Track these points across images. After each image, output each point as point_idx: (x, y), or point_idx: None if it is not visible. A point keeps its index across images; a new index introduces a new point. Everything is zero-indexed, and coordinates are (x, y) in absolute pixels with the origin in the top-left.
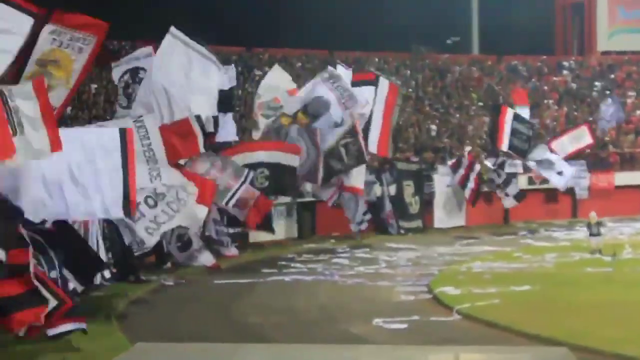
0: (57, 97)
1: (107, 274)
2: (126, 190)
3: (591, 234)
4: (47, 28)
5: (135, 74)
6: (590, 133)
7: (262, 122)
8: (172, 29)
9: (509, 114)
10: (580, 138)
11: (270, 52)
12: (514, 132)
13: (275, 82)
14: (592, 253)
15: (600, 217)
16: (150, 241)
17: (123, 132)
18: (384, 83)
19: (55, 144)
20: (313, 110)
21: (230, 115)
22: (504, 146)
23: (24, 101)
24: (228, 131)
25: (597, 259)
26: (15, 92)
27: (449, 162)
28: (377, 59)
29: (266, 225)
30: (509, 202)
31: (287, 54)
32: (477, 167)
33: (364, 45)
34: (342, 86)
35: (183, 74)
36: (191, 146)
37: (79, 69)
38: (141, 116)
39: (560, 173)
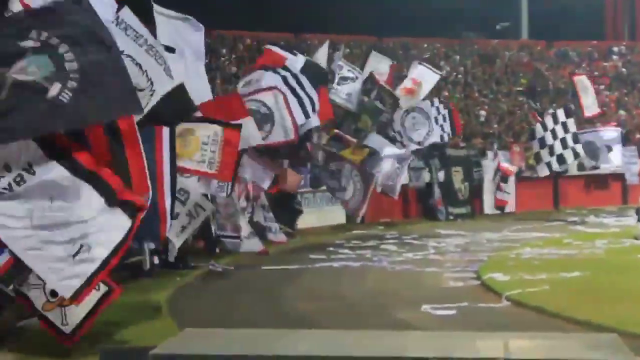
0: None
1: (156, 260)
2: None
3: (639, 220)
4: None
5: None
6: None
7: None
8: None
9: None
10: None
11: (318, 37)
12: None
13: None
14: (637, 239)
15: None
16: (177, 243)
17: None
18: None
19: None
20: None
21: None
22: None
23: None
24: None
25: None
26: None
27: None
28: (425, 45)
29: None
30: None
31: (334, 39)
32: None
33: (412, 31)
34: None
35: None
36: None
37: None
38: None
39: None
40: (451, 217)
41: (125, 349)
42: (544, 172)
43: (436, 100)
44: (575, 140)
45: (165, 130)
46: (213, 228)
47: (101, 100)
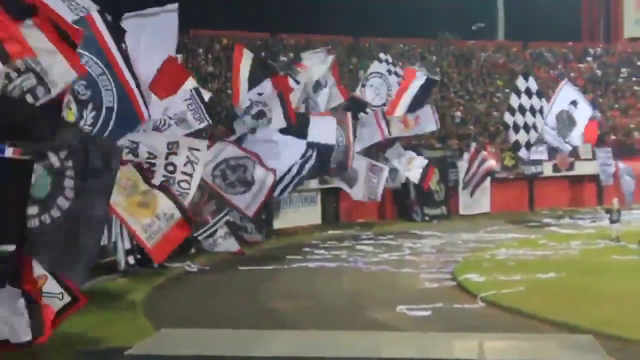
0: None
1: (131, 260)
2: None
3: (612, 221)
4: None
5: None
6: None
7: None
8: None
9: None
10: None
11: (295, 38)
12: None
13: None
14: (612, 240)
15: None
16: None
17: None
18: None
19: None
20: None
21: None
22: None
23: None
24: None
25: (622, 246)
26: None
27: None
28: (401, 45)
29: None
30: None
31: (311, 39)
32: (482, 158)
33: (389, 31)
34: None
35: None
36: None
37: None
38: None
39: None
40: (427, 218)
41: (101, 350)
42: (525, 154)
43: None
44: (540, 95)
45: (97, 17)
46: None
47: None
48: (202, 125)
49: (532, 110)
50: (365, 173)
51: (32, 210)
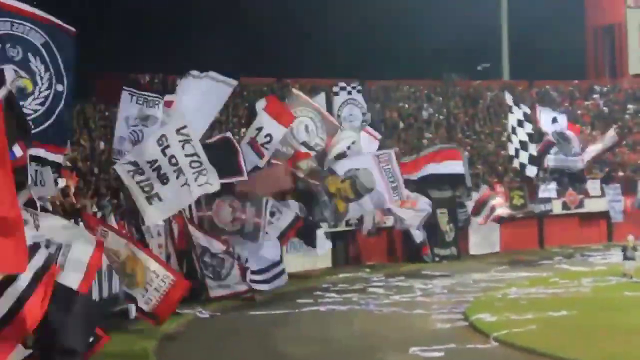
0: None
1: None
2: None
3: (625, 258)
4: None
5: None
6: (616, 133)
7: None
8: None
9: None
10: (607, 138)
11: (301, 82)
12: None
13: None
14: (624, 277)
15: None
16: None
17: None
18: None
19: None
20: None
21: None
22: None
23: None
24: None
25: (634, 282)
26: None
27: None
28: (407, 87)
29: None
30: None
31: (317, 83)
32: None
33: (395, 73)
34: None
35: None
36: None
37: None
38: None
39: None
40: (437, 259)
41: None
42: (532, 172)
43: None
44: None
45: None
46: (199, 274)
47: None
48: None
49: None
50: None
51: None
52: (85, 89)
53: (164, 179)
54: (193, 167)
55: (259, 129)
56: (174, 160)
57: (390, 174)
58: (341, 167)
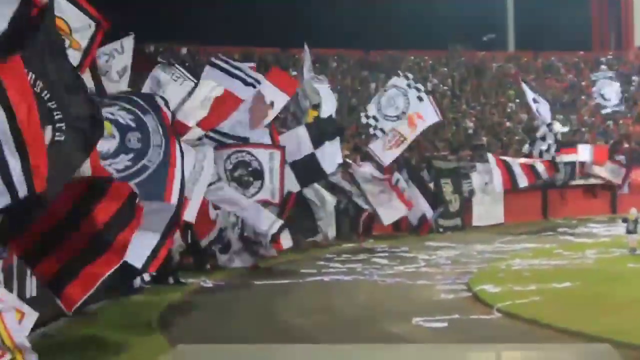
0: None
1: (146, 276)
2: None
3: (628, 231)
4: None
5: None
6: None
7: None
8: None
9: None
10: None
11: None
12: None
13: None
14: (629, 251)
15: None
16: None
17: None
18: None
19: None
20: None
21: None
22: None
23: None
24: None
25: (638, 255)
26: None
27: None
28: (412, 58)
29: None
30: None
31: (321, 54)
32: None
33: (399, 44)
34: None
35: None
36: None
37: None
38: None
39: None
40: (441, 230)
41: None
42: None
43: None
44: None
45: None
46: (202, 244)
47: None
48: None
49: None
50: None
51: None
52: None
53: None
54: None
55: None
56: None
57: None
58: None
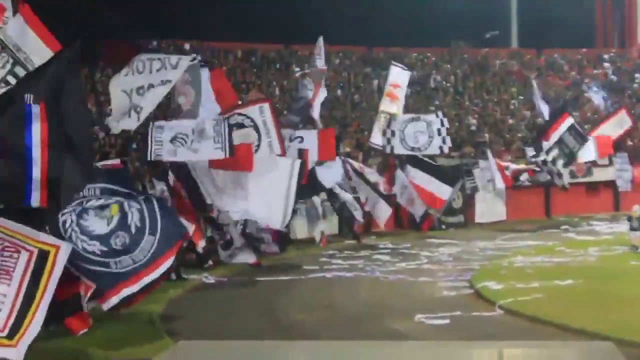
0: None
1: None
2: None
3: (632, 229)
4: None
5: None
6: (629, 116)
7: None
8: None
9: (566, 121)
10: (621, 123)
11: (308, 48)
12: (560, 141)
13: None
14: (631, 248)
15: None
16: None
17: None
18: None
19: None
20: None
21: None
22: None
23: None
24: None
25: None
26: None
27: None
28: (415, 54)
29: None
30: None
31: (325, 50)
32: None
33: (402, 41)
34: None
35: None
36: None
37: None
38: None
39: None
40: (443, 227)
41: None
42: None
43: (440, 113)
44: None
45: None
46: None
47: None
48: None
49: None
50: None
51: None
52: (93, 54)
53: None
54: None
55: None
56: None
57: None
58: None
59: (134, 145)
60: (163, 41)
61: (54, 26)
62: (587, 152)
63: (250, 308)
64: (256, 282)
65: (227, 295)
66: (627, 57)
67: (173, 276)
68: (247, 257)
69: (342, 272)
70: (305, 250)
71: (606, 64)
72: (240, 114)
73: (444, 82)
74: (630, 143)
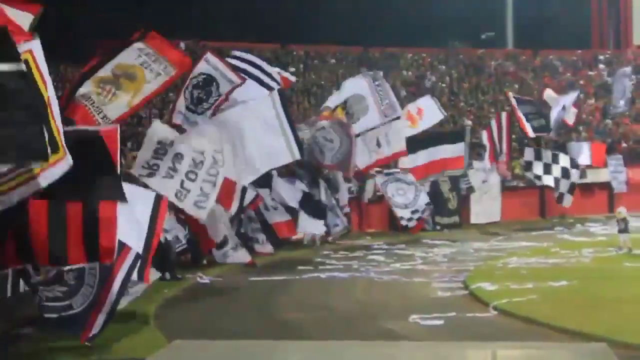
0: (115, 109)
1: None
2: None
3: (619, 230)
4: (138, 44)
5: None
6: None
7: None
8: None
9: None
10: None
11: (305, 48)
12: (527, 116)
13: None
14: (617, 250)
15: (638, 211)
16: (203, 214)
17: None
18: None
19: None
20: (351, 109)
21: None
22: (530, 133)
23: None
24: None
25: (632, 254)
26: None
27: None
28: (411, 55)
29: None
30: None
31: (321, 50)
32: None
33: (398, 41)
34: (384, 91)
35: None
36: None
37: (147, 91)
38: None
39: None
40: (438, 228)
41: None
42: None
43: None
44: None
45: None
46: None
47: None
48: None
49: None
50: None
51: None
52: (85, 52)
53: None
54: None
55: None
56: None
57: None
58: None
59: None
60: None
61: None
62: (582, 158)
63: (245, 307)
64: (251, 282)
65: (221, 294)
66: (622, 58)
67: (168, 276)
68: (242, 257)
69: (337, 273)
70: (299, 251)
71: (602, 65)
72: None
73: (440, 83)
74: (624, 145)
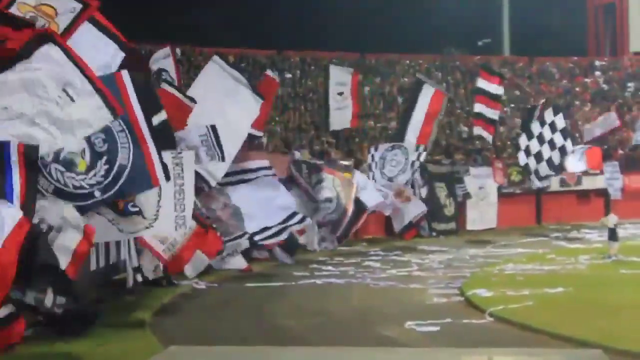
0: None
1: (139, 277)
2: None
3: (609, 238)
4: None
5: (159, 75)
6: (618, 116)
7: None
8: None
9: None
10: (608, 121)
11: (301, 54)
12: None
13: None
14: (604, 257)
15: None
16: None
17: None
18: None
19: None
20: None
21: None
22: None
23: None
24: None
25: (621, 261)
26: None
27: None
28: (407, 61)
29: None
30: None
31: (317, 56)
32: None
33: (395, 47)
34: None
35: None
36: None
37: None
38: (180, 152)
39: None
40: (434, 234)
41: None
42: (535, 183)
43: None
44: (565, 135)
45: (125, 75)
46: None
47: None
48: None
49: (552, 144)
50: None
51: None
52: None
53: None
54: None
55: None
56: None
57: None
58: None
59: None
60: (155, 45)
61: None
62: (578, 164)
63: (241, 313)
64: (247, 288)
65: (218, 300)
66: (618, 65)
67: (164, 282)
68: (238, 263)
69: (333, 279)
70: (296, 257)
71: (598, 73)
72: None
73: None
74: (620, 152)
